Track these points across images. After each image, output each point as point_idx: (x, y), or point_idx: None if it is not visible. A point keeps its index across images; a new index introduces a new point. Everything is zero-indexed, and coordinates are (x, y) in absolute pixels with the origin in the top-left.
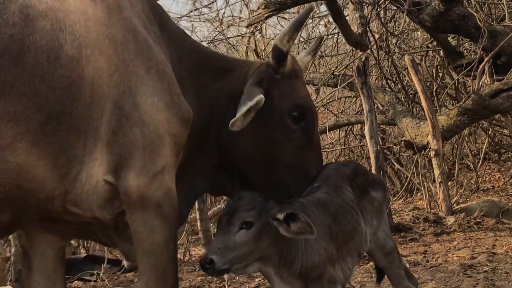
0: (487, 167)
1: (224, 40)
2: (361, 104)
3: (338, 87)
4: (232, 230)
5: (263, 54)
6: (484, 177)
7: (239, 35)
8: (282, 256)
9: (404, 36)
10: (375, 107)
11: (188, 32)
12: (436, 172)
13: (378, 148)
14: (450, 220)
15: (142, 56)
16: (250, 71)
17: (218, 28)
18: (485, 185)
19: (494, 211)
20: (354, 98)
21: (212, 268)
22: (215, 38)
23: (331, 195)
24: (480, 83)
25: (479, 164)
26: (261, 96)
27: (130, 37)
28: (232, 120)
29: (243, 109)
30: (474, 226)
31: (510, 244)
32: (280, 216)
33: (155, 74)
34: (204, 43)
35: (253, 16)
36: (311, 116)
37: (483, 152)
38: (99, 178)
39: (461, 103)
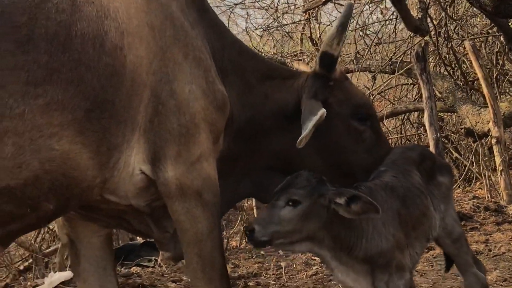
0: None
1: (279, 28)
2: (418, 92)
3: (396, 73)
4: (279, 205)
5: (319, 41)
6: None
7: (294, 22)
8: (337, 240)
9: (463, 22)
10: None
11: (243, 19)
12: (498, 160)
13: (438, 135)
14: None
15: (179, 42)
16: (298, 82)
17: (273, 16)
18: None
19: None
20: (412, 86)
21: (252, 236)
22: (270, 25)
23: (399, 178)
24: None
25: None
26: (323, 110)
27: (168, 23)
28: (300, 138)
29: (309, 126)
30: None
31: None
32: (340, 200)
33: (192, 61)
34: (259, 31)
35: (310, 1)
36: (373, 113)
37: None
38: (136, 166)
39: None
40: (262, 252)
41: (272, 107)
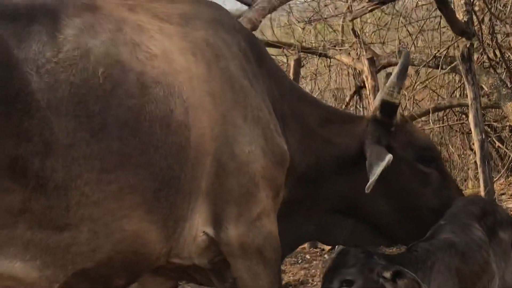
0: None
1: (321, 20)
2: (460, 86)
3: (439, 70)
4: (333, 286)
5: (361, 33)
6: None
7: (336, 15)
8: None
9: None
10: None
11: (284, 12)
12: None
13: (483, 136)
14: None
15: (239, 105)
16: (359, 127)
17: (315, 9)
18: None
19: None
20: (455, 80)
21: None
22: (312, 18)
23: (457, 234)
24: None
25: None
26: (390, 155)
27: (227, 88)
28: (368, 184)
29: (377, 171)
30: None
31: None
32: (387, 274)
33: (251, 121)
34: (301, 24)
35: (356, 10)
36: (438, 154)
37: None
38: (199, 229)
39: None
40: (307, 256)
41: (334, 151)
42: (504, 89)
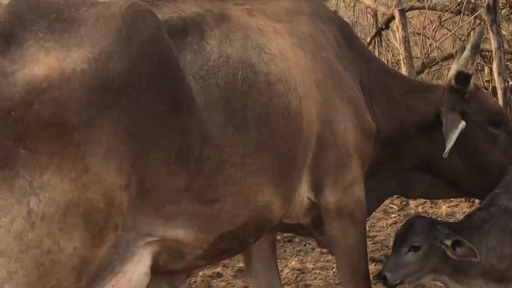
0: None
1: None
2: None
3: (461, 15)
4: (402, 251)
5: None
6: None
7: None
8: (455, 267)
9: None
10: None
11: None
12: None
13: (506, 84)
14: None
15: (336, 88)
16: (434, 96)
17: None
18: None
19: None
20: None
21: (386, 283)
22: None
23: (510, 200)
24: None
25: None
26: (463, 123)
27: (328, 75)
28: (445, 151)
29: (453, 138)
30: None
31: None
32: (448, 242)
33: (346, 102)
34: None
35: None
36: (506, 118)
37: None
38: (304, 196)
39: None
40: None
41: (414, 117)
42: None
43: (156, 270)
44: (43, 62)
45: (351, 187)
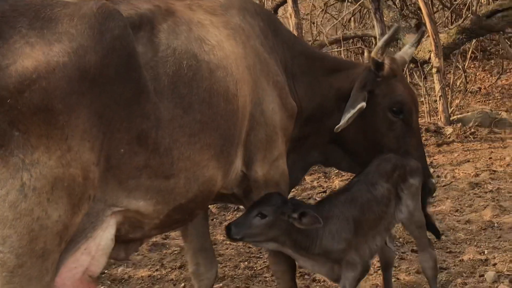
0: (472, 66)
1: None
2: (364, 17)
3: (346, 2)
4: (251, 214)
5: None
6: (470, 77)
7: None
8: (296, 243)
9: None
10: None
11: None
12: (437, 86)
13: None
14: (449, 130)
15: (264, 73)
16: (355, 74)
17: None
18: (473, 87)
19: (487, 122)
20: (360, 12)
21: (229, 234)
22: None
23: (361, 191)
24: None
25: (466, 62)
26: (363, 104)
27: (257, 60)
28: (337, 126)
29: (346, 117)
30: (470, 136)
31: (505, 159)
32: (295, 215)
33: (272, 85)
34: None
35: None
36: (408, 109)
37: (470, 51)
38: (239, 169)
39: (459, 22)
40: None
41: (334, 94)
42: (403, 23)
43: (117, 239)
44: (31, 56)
45: (277, 161)
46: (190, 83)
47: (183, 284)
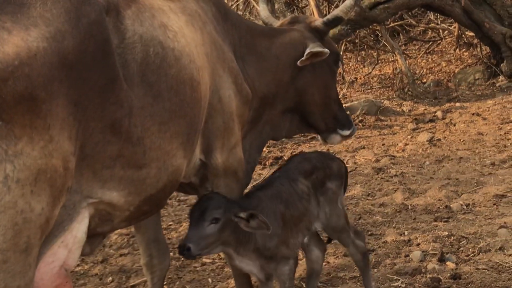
0: (345, 57)
1: None
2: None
3: None
4: (204, 224)
5: None
6: (346, 67)
7: None
8: (238, 239)
9: None
10: None
11: None
12: None
13: None
14: None
15: (220, 60)
16: (295, 39)
17: None
18: (349, 77)
19: (373, 110)
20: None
21: (189, 253)
22: None
23: (284, 186)
24: None
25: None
26: (328, 50)
27: (213, 47)
28: (300, 60)
29: (314, 49)
30: (359, 124)
31: (398, 145)
32: (243, 215)
33: (228, 71)
34: None
35: None
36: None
37: (343, 43)
38: (197, 157)
39: None
40: None
41: (284, 64)
42: (289, 13)
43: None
44: (10, 41)
45: (235, 148)
46: (158, 71)
47: (110, 278)
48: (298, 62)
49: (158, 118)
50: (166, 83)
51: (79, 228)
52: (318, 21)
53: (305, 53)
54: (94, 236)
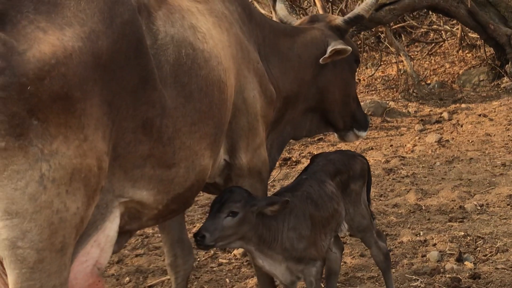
0: None
1: None
2: None
3: None
4: (221, 216)
5: None
6: None
7: None
8: (261, 238)
9: None
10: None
11: None
12: None
13: None
14: None
15: (245, 60)
16: (316, 38)
17: None
18: None
19: (379, 111)
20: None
21: (202, 242)
22: None
23: (314, 187)
24: None
25: None
26: (350, 48)
27: (239, 48)
28: (322, 58)
29: (337, 46)
30: None
31: (406, 146)
32: (263, 203)
33: (253, 72)
34: None
35: None
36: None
37: None
38: (221, 158)
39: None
40: None
41: (306, 64)
42: (293, 15)
43: None
44: (46, 41)
45: (259, 149)
46: (189, 72)
47: (127, 278)
48: (321, 60)
49: (189, 119)
50: (197, 84)
51: (111, 227)
52: (338, 19)
53: (328, 51)
54: (122, 234)
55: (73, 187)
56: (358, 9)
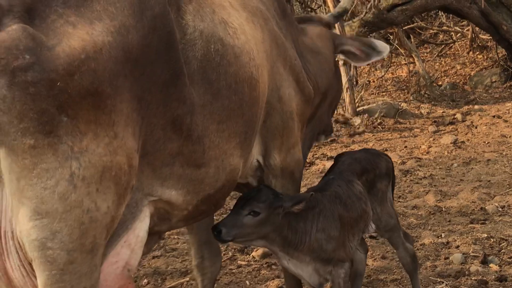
0: None
1: None
2: None
3: None
4: (243, 213)
5: None
6: (359, 70)
7: None
8: (286, 240)
9: None
10: None
11: None
12: (344, 79)
13: None
14: (357, 121)
15: (281, 57)
16: (325, 31)
17: None
18: (363, 80)
19: (392, 112)
20: None
21: (219, 236)
22: None
23: (342, 188)
24: None
25: None
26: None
27: (274, 45)
28: (362, 64)
29: (382, 45)
30: (379, 126)
31: (421, 147)
32: (289, 204)
33: (289, 69)
34: None
35: None
36: None
37: None
38: (254, 157)
39: (362, 16)
40: None
41: (327, 57)
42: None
43: None
44: (76, 35)
45: (293, 148)
46: (218, 68)
47: (146, 280)
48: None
49: (217, 116)
50: (226, 81)
51: (142, 227)
52: (327, 16)
53: (367, 61)
54: (151, 236)
55: (103, 186)
56: (343, 2)
